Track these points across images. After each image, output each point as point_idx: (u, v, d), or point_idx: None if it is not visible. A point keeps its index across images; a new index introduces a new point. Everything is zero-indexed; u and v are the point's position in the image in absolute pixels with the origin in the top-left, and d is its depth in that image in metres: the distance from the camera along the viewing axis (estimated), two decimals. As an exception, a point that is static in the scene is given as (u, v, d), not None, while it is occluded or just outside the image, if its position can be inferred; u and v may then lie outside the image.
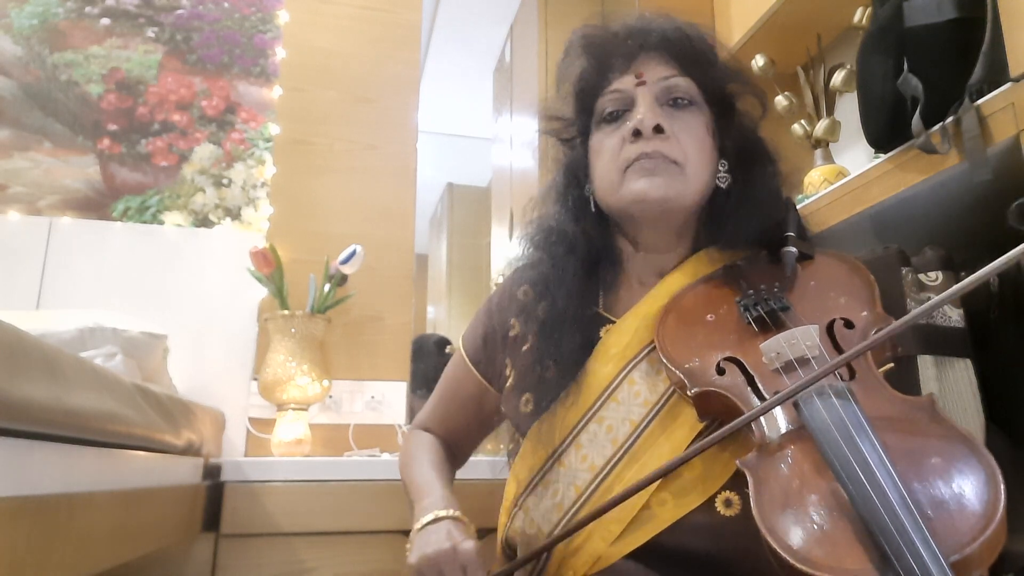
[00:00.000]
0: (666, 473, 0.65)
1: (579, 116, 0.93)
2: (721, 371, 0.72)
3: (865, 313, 0.73)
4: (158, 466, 1.09)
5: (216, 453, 1.50)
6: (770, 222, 0.85)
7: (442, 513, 0.81)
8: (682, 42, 0.87)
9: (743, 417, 0.63)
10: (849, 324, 0.73)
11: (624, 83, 0.87)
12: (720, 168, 0.87)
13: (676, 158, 0.83)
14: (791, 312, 0.75)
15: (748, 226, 0.83)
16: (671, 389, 0.77)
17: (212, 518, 1.33)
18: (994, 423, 0.93)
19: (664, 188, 0.83)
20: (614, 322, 0.86)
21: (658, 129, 0.83)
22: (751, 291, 0.79)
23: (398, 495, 1.40)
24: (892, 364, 0.81)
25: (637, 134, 0.83)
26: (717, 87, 0.89)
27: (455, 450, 1.05)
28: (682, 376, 0.73)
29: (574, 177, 0.94)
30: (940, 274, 0.98)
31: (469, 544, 0.75)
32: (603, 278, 0.91)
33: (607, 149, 0.87)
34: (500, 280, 1.06)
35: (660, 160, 0.83)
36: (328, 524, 1.37)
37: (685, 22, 0.90)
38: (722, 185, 0.86)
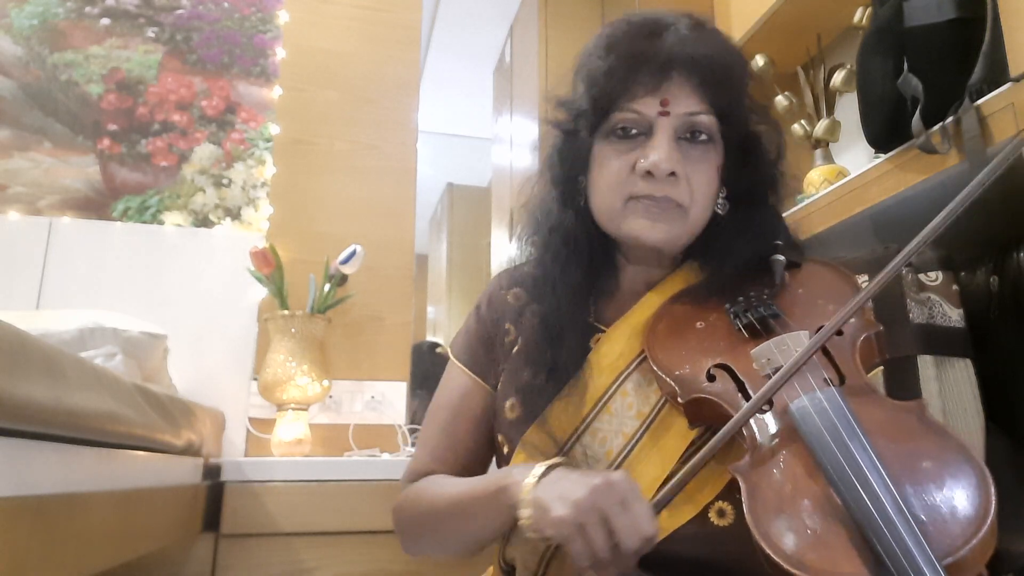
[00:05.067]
0: (666, 504, 0.64)
1: (590, 113, 0.85)
2: (711, 378, 0.72)
3: (853, 320, 0.73)
4: (158, 466, 1.09)
5: (216, 453, 1.50)
6: (762, 249, 0.83)
7: (552, 461, 0.70)
8: (718, 74, 0.80)
9: (732, 421, 0.64)
10: (838, 331, 0.73)
11: (646, 106, 0.80)
12: (719, 195, 0.84)
13: (682, 201, 0.80)
14: (781, 319, 0.75)
15: (739, 254, 0.82)
16: (662, 400, 0.77)
17: (212, 518, 1.33)
18: (994, 423, 0.93)
19: (664, 233, 0.81)
20: (604, 331, 0.85)
21: (672, 173, 0.79)
22: (741, 298, 0.79)
23: (398, 495, 1.41)
24: (881, 367, 0.81)
25: (649, 174, 0.79)
26: (738, 126, 0.83)
27: None
28: (673, 383, 0.73)
29: (572, 169, 0.88)
30: (940, 274, 0.98)
31: (619, 473, 0.63)
32: (595, 284, 0.89)
33: (612, 169, 0.83)
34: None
35: (666, 204, 0.80)
36: (328, 524, 1.37)
37: (726, 45, 0.83)
38: (720, 212, 0.84)
